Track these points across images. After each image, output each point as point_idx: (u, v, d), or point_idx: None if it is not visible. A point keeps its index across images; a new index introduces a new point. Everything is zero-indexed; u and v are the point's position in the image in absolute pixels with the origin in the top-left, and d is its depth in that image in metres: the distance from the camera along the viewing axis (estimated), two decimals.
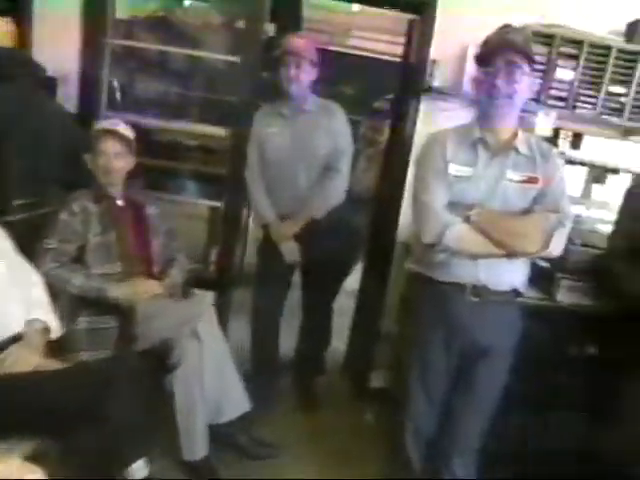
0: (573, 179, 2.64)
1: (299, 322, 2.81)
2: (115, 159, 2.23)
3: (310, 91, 2.46)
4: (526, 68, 1.58)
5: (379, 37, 4.76)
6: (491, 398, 1.76)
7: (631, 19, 2.52)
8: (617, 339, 1.96)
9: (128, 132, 2.29)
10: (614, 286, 1.93)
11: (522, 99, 1.62)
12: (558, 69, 2.49)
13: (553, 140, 2.58)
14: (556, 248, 1.62)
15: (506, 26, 1.62)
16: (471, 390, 1.73)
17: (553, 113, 2.47)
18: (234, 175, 2.60)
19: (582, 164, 2.63)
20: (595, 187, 2.67)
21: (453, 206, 1.64)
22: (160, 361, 2.06)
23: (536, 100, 2.52)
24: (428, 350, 1.73)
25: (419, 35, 2.56)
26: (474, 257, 1.64)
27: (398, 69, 2.85)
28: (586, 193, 2.66)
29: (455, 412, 1.76)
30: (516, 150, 1.65)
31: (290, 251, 2.49)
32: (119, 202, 2.31)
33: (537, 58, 2.49)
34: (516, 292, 1.71)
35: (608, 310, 1.99)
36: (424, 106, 2.55)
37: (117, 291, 2.14)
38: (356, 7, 5.05)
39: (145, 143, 2.73)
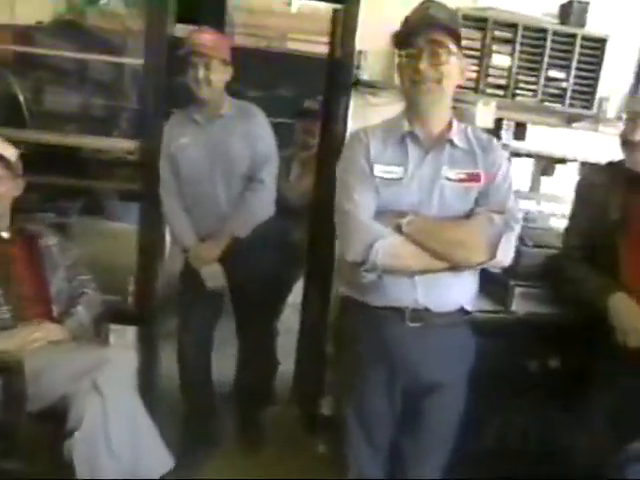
0: (519, 172, 2.43)
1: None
2: None
3: (226, 94, 2.17)
4: (453, 48, 1.33)
5: (318, 39, 4.55)
6: (446, 436, 1.49)
7: (564, 0, 2.34)
8: (580, 348, 1.74)
9: (8, 151, 1.93)
10: (571, 291, 1.71)
11: (452, 84, 1.37)
12: (494, 55, 2.28)
13: (495, 132, 2.37)
14: (505, 256, 1.37)
15: (427, 1, 1.37)
16: (421, 430, 1.46)
17: (493, 102, 2.25)
18: (148, 193, 2.26)
19: (528, 156, 2.43)
20: (544, 179, 2.47)
21: (382, 215, 1.38)
22: (58, 423, 1.71)
23: (474, 89, 2.30)
24: (366, 388, 1.45)
25: (343, 25, 2.30)
26: (410, 274, 1.37)
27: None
28: (535, 186, 2.46)
29: (404, 456, 1.49)
30: (452, 143, 1.40)
31: (212, 276, 2.17)
32: (4, 234, 1.94)
33: (471, 44, 2.29)
34: (464, 311, 1.45)
35: (568, 318, 1.77)
36: (354, 102, 2.29)
37: (2, 343, 1.77)
38: (294, 9, 4.85)
39: (51, 160, 2.41)
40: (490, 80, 2.31)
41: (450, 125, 1.41)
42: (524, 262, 1.83)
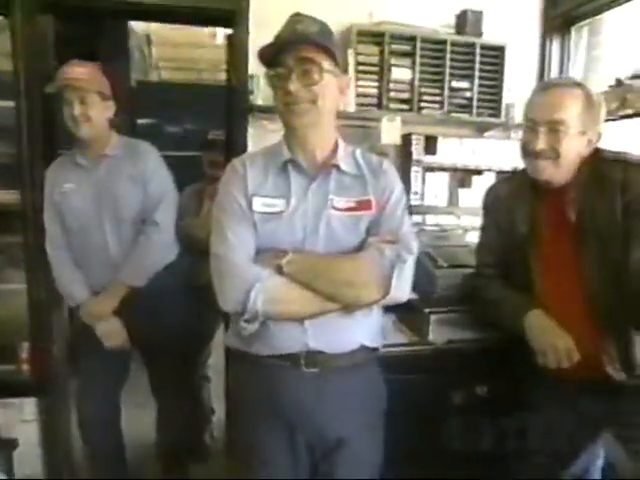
0: (436, 187, 2.32)
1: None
2: None
3: (112, 131, 1.96)
4: (327, 64, 1.18)
5: None
6: None
7: (457, 11, 2.28)
8: (505, 373, 1.59)
9: None
10: (487, 313, 1.56)
11: (330, 103, 1.21)
12: (394, 69, 2.18)
13: (404, 147, 2.26)
14: (401, 291, 1.21)
15: (297, 15, 1.22)
16: None
17: (398, 118, 2.14)
18: (34, 248, 2.00)
19: (442, 169, 2.33)
20: (462, 192, 2.37)
21: (263, 255, 1.20)
22: None
23: (377, 106, 2.19)
24: (266, 449, 1.25)
25: (236, 50, 2.15)
26: (299, 319, 1.19)
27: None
28: (453, 200, 2.35)
29: None
30: (338, 169, 1.24)
31: (108, 333, 1.92)
32: None
33: (369, 59, 2.18)
34: (367, 349, 1.28)
35: (489, 342, 1.62)
36: (253, 130, 2.13)
37: None
38: (219, 41, 4.72)
39: None
40: (393, 95, 2.20)
41: (335, 149, 1.26)
42: (439, 285, 1.69)
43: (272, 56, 1.18)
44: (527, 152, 1.45)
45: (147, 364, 2.12)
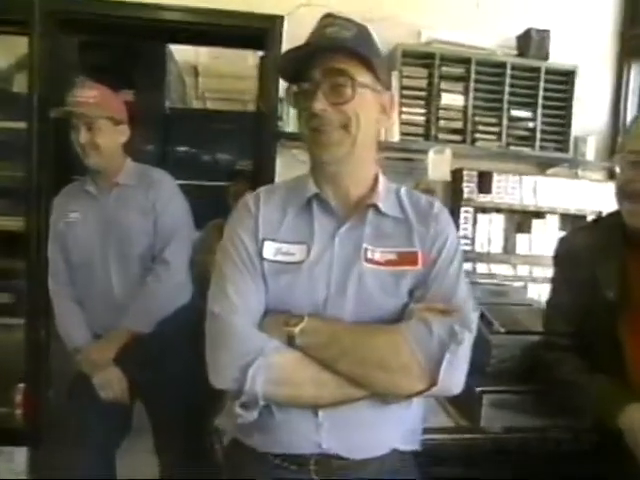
0: (488, 231, 1.97)
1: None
2: None
3: (126, 158, 1.74)
4: (365, 79, 0.89)
5: None
6: None
7: (520, 30, 1.98)
8: (581, 475, 1.20)
9: None
10: (560, 396, 1.19)
11: (368, 128, 0.90)
12: (444, 95, 1.89)
13: (455, 184, 1.94)
14: (452, 381, 0.87)
15: (328, 16, 0.94)
16: None
17: (447, 150, 1.83)
18: (36, 280, 1.79)
19: (497, 210, 1.98)
20: (520, 238, 2.01)
21: (272, 318, 0.90)
22: None
23: (424, 136, 1.89)
24: None
25: (266, 72, 1.93)
26: (310, 408, 0.88)
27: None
28: (509, 247, 1.99)
29: None
30: (376, 210, 0.93)
31: (106, 383, 1.66)
32: None
33: (416, 83, 1.90)
34: (402, 453, 0.94)
35: (559, 433, 1.24)
36: (281, 160, 1.87)
37: None
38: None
39: None
40: (442, 124, 1.90)
41: (374, 185, 0.96)
42: (494, 355, 1.33)
43: (295, 68, 0.91)
44: (628, 193, 1.10)
45: (151, 418, 1.84)
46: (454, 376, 0.86)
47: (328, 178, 0.93)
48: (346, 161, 0.90)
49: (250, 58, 4.48)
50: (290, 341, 0.85)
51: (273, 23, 1.87)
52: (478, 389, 1.30)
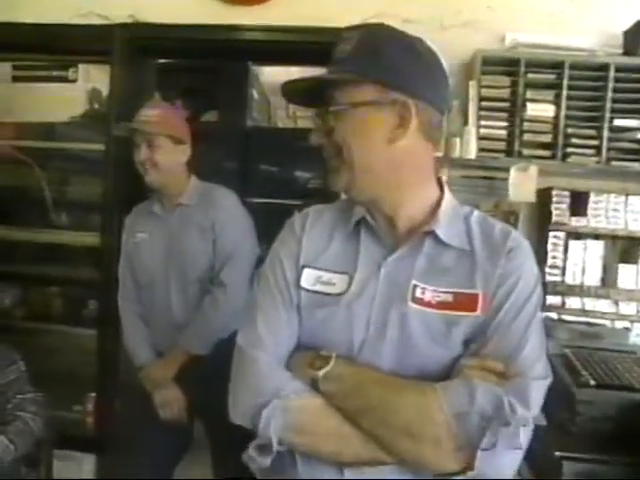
0: (584, 259, 1.67)
1: None
2: None
3: (190, 177, 1.69)
4: (363, 95, 0.73)
5: None
6: None
7: (627, 24, 1.65)
8: None
9: None
10: None
11: (357, 154, 0.74)
12: (530, 105, 1.64)
13: (542, 206, 1.67)
14: (497, 471, 0.68)
15: (351, 28, 0.81)
16: None
17: (533, 167, 1.58)
18: (107, 296, 1.84)
19: (595, 236, 1.68)
20: (623, 268, 1.67)
21: (300, 356, 0.78)
22: None
23: (505, 152, 1.65)
24: None
25: None
26: (334, 464, 0.74)
27: None
28: (610, 279, 1.66)
29: None
30: (436, 238, 0.77)
31: (164, 403, 1.63)
32: None
33: (498, 93, 1.68)
34: None
35: None
36: None
37: None
38: None
39: None
40: (527, 137, 1.64)
41: (436, 208, 0.79)
42: (581, 413, 1.07)
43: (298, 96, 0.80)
44: None
45: (209, 437, 1.79)
46: (497, 465, 0.67)
47: (369, 200, 0.80)
48: (359, 188, 0.76)
49: None
50: (314, 385, 0.74)
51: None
52: (557, 453, 1.05)
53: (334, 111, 0.74)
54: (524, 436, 0.68)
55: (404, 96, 0.72)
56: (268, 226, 1.77)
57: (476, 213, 0.82)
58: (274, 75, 4.20)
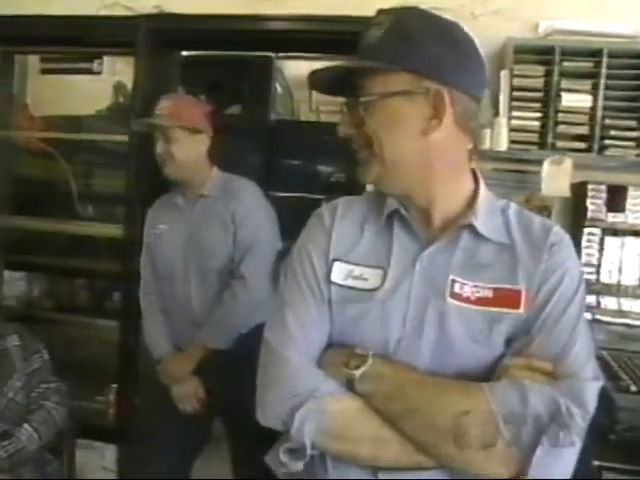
0: (622, 257, 1.58)
1: None
2: None
3: (212, 168, 1.65)
4: (394, 85, 0.68)
5: None
6: None
7: None
8: None
9: None
10: None
11: (388, 147, 0.70)
12: (565, 95, 1.55)
13: (576, 201, 1.59)
14: (557, 471, 0.63)
15: (377, 13, 0.76)
16: None
17: (567, 160, 1.50)
18: (129, 288, 1.82)
19: (634, 233, 1.58)
20: None
21: (333, 353, 0.74)
22: None
23: (538, 144, 1.58)
24: None
25: None
26: (369, 469, 0.70)
27: None
28: None
29: None
30: (473, 231, 0.72)
31: (182, 396, 1.61)
32: None
33: (531, 83, 1.60)
34: None
35: None
36: None
37: None
38: None
39: None
40: (562, 129, 1.55)
41: (473, 200, 0.74)
42: (621, 421, 1.00)
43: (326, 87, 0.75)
44: None
45: (229, 437, 1.76)
46: (554, 472, 0.61)
47: (403, 193, 0.75)
48: (390, 182, 0.72)
49: None
50: (350, 385, 0.70)
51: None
52: (596, 463, 0.99)
53: (364, 101, 0.68)
54: (580, 441, 0.63)
55: (438, 85, 0.67)
56: (292, 220, 1.74)
57: (513, 206, 0.77)
58: (297, 69, 4.17)
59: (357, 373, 0.69)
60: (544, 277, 0.69)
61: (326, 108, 5.57)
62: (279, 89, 3.26)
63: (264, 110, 2.94)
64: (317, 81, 0.74)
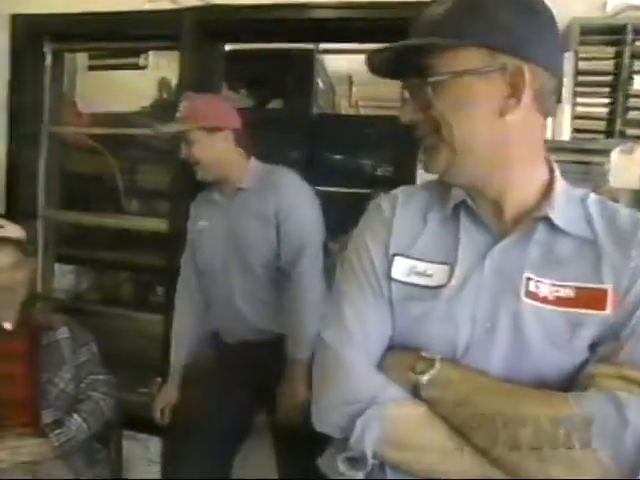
0: None
1: None
2: (14, 272, 1.60)
3: (249, 160, 1.59)
4: (466, 62, 0.61)
5: None
6: None
7: None
8: None
9: (19, 233, 1.67)
10: None
11: (459, 133, 0.63)
12: (638, 77, 1.43)
13: None
14: None
15: None
16: None
17: (639, 149, 1.38)
18: (173, 283, 1.81)
19: None
20: None
21: (396, 356, 0.69)
22: None
23: (605, 132, 1.46)
24: None
25: None
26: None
27: None
28: None
29: None
30: (550, 225, 0.65)
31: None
32: (7, 326, 1.64)
33: (598, 66, 1.48)
34: None
35: None
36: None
37: None
38: None
39: None
40: (633, 115, 1.42)
41: (548, 191, 0.67)
42: None
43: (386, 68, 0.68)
44: None
45: (273, 433, 1.71)
46: None
47: (471, 183, 0.69)
48: (460, 171, 0.66)
49: None
50: (415, 391, 0.64)
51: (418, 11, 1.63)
52: None
53: (432, 82, 0.62)
54: None
55: (516, 60, 0.59)
56: (336, 215, 1.68)
57: (593, 196, 0.69)
58: (337, 64, 4.11)
59: (424, 378, 0.63)
60: (634, 276, 0.61)
61: (366, 103, 5.49)
62: (320, 84, 3.22)
63: (306, 104, 2.90)
64: (376, 63, 0.68)
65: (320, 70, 3.18)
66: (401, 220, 0.72)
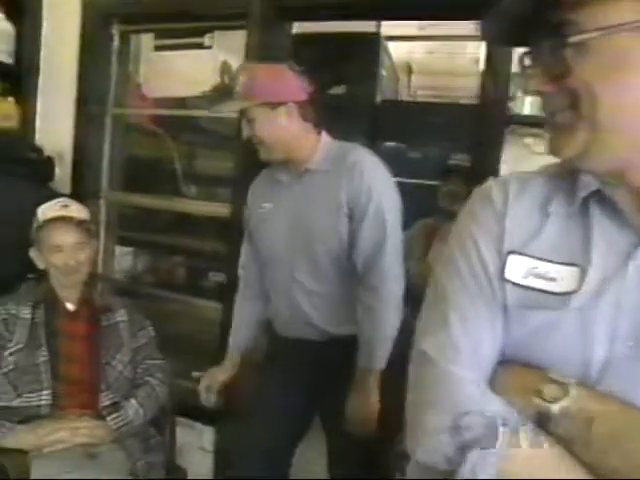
0: None
1: None
2: (77, 252, 1.58)
3: (319, 138, 1.43)
4: (618, 14, 0.47)
5: None
6: None
7: None
8: None
9: (84, 213, 1.66)
10: None
11: (603, 106, 0.50)
12: None
13: None
14: None
15: None
16: None
17: None
18: (233, 269, 1.74)
19: None
20: None
21: (513, 373, 0.58)
22: None
23: None
24: None
25: (492, 48, 1.52)
26: None
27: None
28: None
29: None
30: None
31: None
32: (69, 306, 1.63)
33: None
34: None
35: None
36: (509, 152, 1.43)
37: (14, 439, 1.41)
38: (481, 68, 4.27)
39: None
40: None
41: None
42: None
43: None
44: None
45: (327, 433, 1.62)
46: None
47: (599, 176, 0.55)
48: (601, 154, 0.52)
49: (469, 47, 4.06)
50: (541, 420, 0.52)
51: None
52: None
53: (574, 43, 0.49)
54: None
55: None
56: (405, 209, 1.51)
57: None
58: (398, 51, 3.95)
59: (555, 407, 0.51)
60: None
61: (424, 92, 5.29)
62: (384, 72, 3.09)
63: (370, 90, 2.79)
64: (494, 25, 0.56)
65: (384, 56, 3.04)
66: (516, 212, 0.60)
